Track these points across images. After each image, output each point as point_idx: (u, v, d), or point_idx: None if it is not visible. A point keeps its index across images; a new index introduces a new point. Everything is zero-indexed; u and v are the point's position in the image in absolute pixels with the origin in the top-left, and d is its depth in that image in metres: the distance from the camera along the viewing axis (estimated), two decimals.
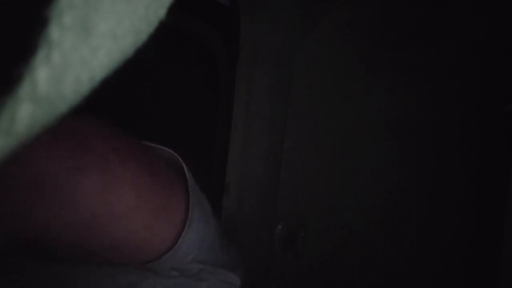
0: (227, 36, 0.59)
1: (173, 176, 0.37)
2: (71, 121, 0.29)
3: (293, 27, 0.58)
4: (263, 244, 0.60)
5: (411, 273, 0.66)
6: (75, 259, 0.33)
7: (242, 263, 0.45)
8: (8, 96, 0.11)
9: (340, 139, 0.63)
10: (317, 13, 0.60)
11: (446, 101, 0.65)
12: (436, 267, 0.66)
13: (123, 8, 0.13)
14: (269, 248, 0.61)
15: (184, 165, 0.38)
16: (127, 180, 0.31)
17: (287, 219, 0.61)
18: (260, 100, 0.58)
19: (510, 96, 0.61)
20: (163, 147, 0.39)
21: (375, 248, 0.65)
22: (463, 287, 0.66)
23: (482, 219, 0.64)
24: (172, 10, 0.15)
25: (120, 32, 0.13)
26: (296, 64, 0.59)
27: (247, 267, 0.44)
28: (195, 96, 0.64)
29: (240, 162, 0.58)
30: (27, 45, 0.11)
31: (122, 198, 0.31)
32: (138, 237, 0.34)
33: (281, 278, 0.62)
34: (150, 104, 0.63)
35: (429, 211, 0.66)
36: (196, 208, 0.37)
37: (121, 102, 0.58)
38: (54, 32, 0.11)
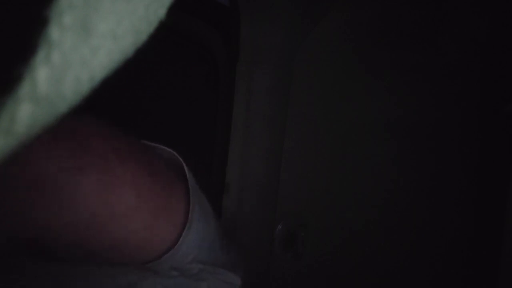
0: (227, 36, 0.59)
1: (173, 176, 0.37)
2: (71, 121, 0.29)
3: (293, 27, 0.58)
4: (263, 244, 0.60)
5: (411, 273, 0.66)
6: (75, 259, 0.33)
7: (242, 263, 0.45)
8: (8, 96, 0.11)
9: (340, 139, 0.63)
10: (317, 13, 0.60)
11: (446, 101, 0.65)
12: (436, 267, 0.66)
13: (123, 8, 0.13)
14: (269, 248, 0.61)
15: (184, 164, 0.38)
16: (127, 180, 0.32)
17: (287, 219, 0.61)
18: (260, 100, 0.58)
19: (510, 96, 0.61)
20: (163, 146, 0.39)
21: (375, 248, 0.65)
22: (463, 287, 0.66)
23: (482, 219, 0.64)
24: (172, 10, 0.15)
25: (120, 32, 0.13)
26: (296, 64, 0.59)
27: (247, 267, 0.44)
28: (195, 96, 0.64)
29: (240, 162, 0.58)
30: (27, 45, 0.11)
31: (122, 198, 0.31)
32: (138, 237, 0.34)
33: (281, 278, 0.62)
34: (150, 104, 0.63)
35: (429, 211, 0.66)
36: (196, 208, 0.37)
37: (121, 102, 0.58)
38: (54, 32, 0.11)
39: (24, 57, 0.11)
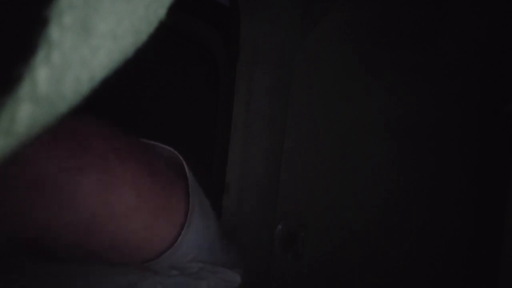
0: (227, 36, 0.59)
1: (174, 175, 0.37)
2: (71, 121, 0.29)
3: (293, 27, 0.58)
4: (263, 244, 0.60)
5: (411, 273, 0.66)
6: (75, 259, 0.33)
7: (242, 263, 0.45)
8: (8, 96, 0.11)
9: (340, 139, 0.63)
10: (317, 13, 0.60)
11: (446, 101, 0.65)
12: (436, 267, 0.66)
13: (123, 8, 0.13)
14: (269, 248, 0.61)
15: (184, 163, 0.38)
16: (127, 180, 0.32)
17: (287, 219, 0.61)
18: (260, 100, 0.58)
19: (510, 96, 0.61)
20: (163, 145, 0.39)
21: (375, 248, 0.65)
22: (463, 287, 0.66)
23: (482, 219, 0.64)
24: (172, 10, 0.15)
25: (120, 32, 0.13)
26: (296, 64, 0.59)
27: (247, 267, 0.44)
28: (195, 96, 0.64)
29: (240, 162, 0.58)
30: (27, 45, 0.11)
31: (122, 198, 0.31)
32: (138, 237, 0.34)
33: (281, 278, 0.62)
34: (150, 104, 0.63)
35: (429, 211, 0.66)
36: (196, 208, 0.37)
37: (121, 102, 0.58)
38: (54, 32, 0.11)
39: (24, 57, 0.11)
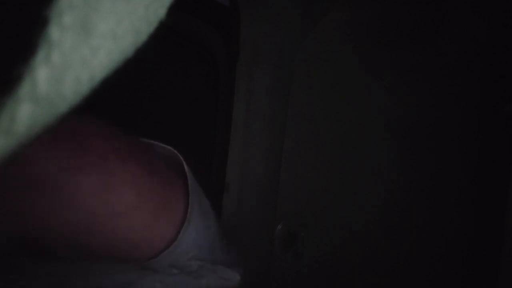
0: (227, 36, 0.59)
1: (174, 175, 0.37)
2: (71, 121, 0.29)
3: (293, 27, 0.58)
4: (263, 244, 0.60)
5: (411, 273, 0.66)
6: (75, 259, 0.33)
7: (242, 262, 0.45)
8: (8, 96, 0.11)
9: (340, 139, 0.63)
10: (317, 13, 0.60)
11: (446, 101, 0.65)
12: (436, 267, 0.66)
13: (123, 8, 0.13)
14: (269, 248, 0.61)
15: (184, 163, 0.38)
16: (127, 180, 0.32)
17: (287, 219, 0.61)
18: (260, 100, 0.58)
19: (510, 96, 0.61)
20: (163, 144, 0.39)
21: (375, 248, 0.65)
22: (463, 287, 0.66)
23: (482, 219, 0.64)
24: (172, 10, 0.15)
25: (120, 32, 0.13)
26: (296, 64, 0.59)
27: (247, 267, 0.44)
28: (195, 96, 0.64)
29: (240, 162, 0.58)
30: (27, 45, 0.11)
31: (122, 197, 0.31)
32: (137, 236, 0.34)
33: (281, 278, 0.62)
34: (150, 104, 0.63)
35: (429, 211, 0.66)
36: (195, 207, 0.37)
37: (121, 102, 0.58)
38: (54, 32, 0.11)
39: (24, 57, 0.11)
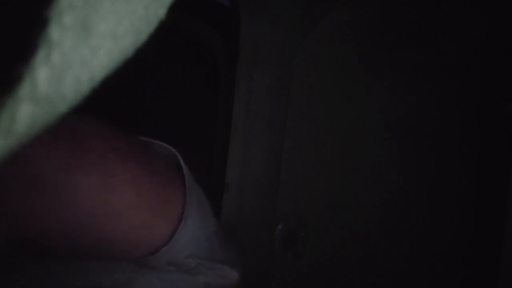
0: (227, 36, 0.59)
1: (173, 175, 0.37)
2: (71, 121, 0.29)
3: (293, 27, 0.58)
4: (263, 244, 0.60)
5: (411, 273, 0.66)
6: (75, 258, 0.33)
7: (242, 262, 0.45)
8: (8, 96, 0.11)
9: (340, 139, 0.63)
10: (317, 13, 0.60)
11: (446, 101, 0.65)
12: (436, 267, 0.66)
13: (123, 8, 0.13)
14: (269, 248, 0.61)
15: (182, 161, 0.38)
16: (127, 180, 0.32)
17: (287, 219, 0.61)
18: (260, 100, 0.58)
19: (510, 96, 0.61)
20: (162, 143, 0.39)
21: (375, 248, 0.65)
22: (463, 287, 0.66)
23: (482, 219, 0.64)
24: (172, 10, 0.15)
25: (120, 32, 0.13)
26: (296, 64, 0.59)
27: (247, 267, 0.44)
28: (195, 96, 0.64)
29: (240, 162, 0.58)
30: (27, 45, 0.11)
31: (122, 197, 0.31)
32: (137, 235, 0.34)
33: (281, 278, 0.62)
34: (150, 104, 0.63)
35: (429, 211, 0.66)
36: (194, 206, 0.37)
37: (121, 102, 0.58)
38: (54, 32, 0.11)
39: (24, 57, 0.11)
